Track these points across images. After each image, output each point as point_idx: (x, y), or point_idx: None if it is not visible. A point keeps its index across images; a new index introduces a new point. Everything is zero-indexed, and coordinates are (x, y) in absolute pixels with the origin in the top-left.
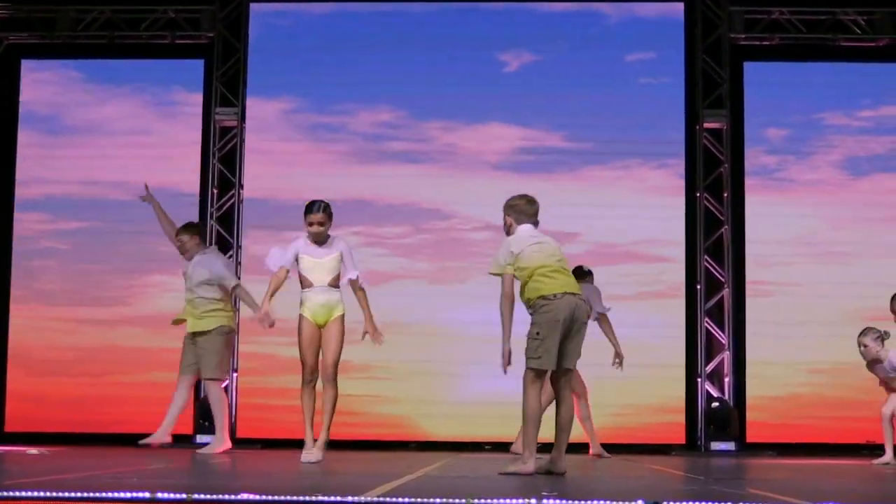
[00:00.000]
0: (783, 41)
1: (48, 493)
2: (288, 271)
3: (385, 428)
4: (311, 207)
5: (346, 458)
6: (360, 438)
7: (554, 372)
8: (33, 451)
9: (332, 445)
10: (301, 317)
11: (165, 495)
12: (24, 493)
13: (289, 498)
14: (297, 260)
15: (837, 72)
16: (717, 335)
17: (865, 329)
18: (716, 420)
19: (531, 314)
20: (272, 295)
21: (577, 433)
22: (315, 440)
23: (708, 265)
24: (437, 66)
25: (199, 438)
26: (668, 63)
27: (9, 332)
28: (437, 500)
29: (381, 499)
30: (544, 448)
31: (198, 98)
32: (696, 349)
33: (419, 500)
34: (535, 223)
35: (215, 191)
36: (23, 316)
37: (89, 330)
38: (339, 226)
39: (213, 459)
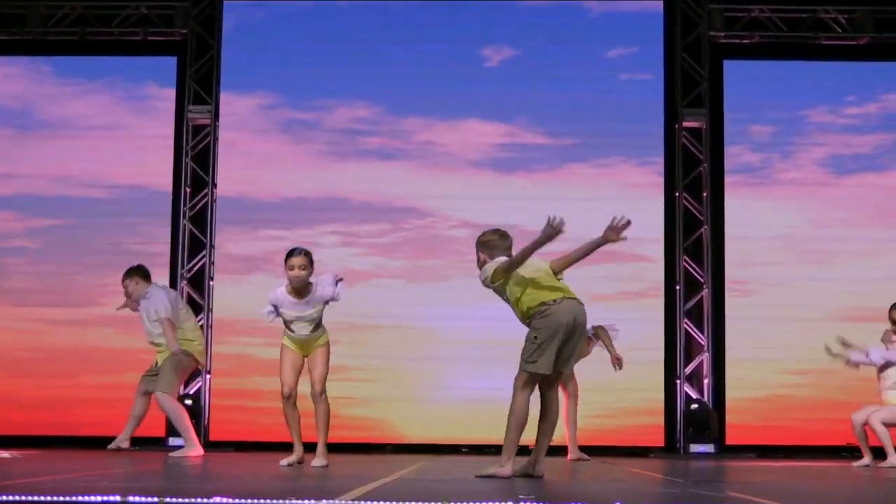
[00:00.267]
0: (763, 39)
1: (19, 498)
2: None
3: (361, 430)
4: (291, 252)
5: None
6: (335, 441)
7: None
8: (4, 454)
9: (307, 448)
10: (283, 345)
11: (137, 499)
12: None
13: (262, 501)
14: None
15: (818, 70)
16: (696, 336)
17: None
18: (695, 422)
19: (529, 323)
20: None
21: (556, 435)
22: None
23: (687, 265)
24: (416, 61)
25: (172, 441)
26: (650, 58)
27: None
28: None
29: (357, 502)
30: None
31: (171, 93)
32: (675, 350)
33: (395, 503)
34: (510, 257)
35: (188, 190)
36: None
37: (60, 330)
38: (315, 224)
39: (185, 462)
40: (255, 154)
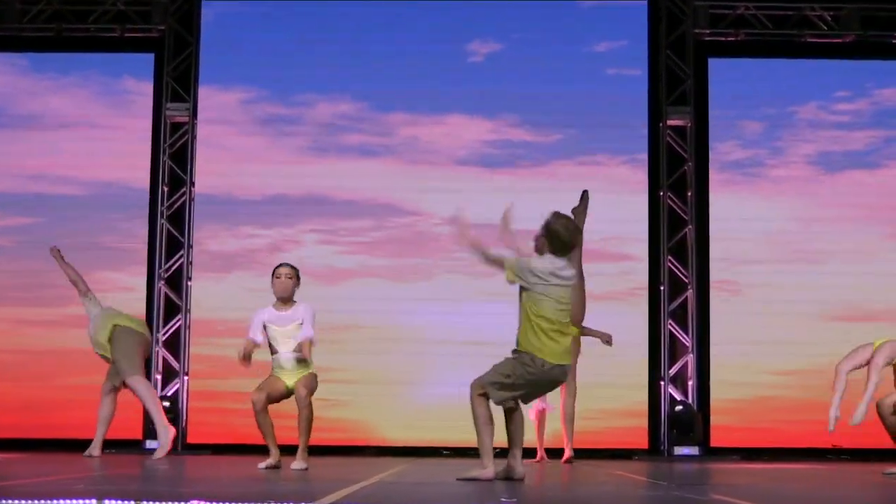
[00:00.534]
0: (749, 37)
1: None
2: (258, 344)
3: (341, 433)
4: (280, 265)
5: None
6: (315, 444)
7: None
8: None
9: (286, 451)
10: (271, 373)
11: (113, 502)
12: None
13: None
14: (265, 328)
15: (805, 68)
16: (680, 337)
17: None
18: (679, 424)
19: (517, 342)
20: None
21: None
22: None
23: (672, 266)
24: (400, 55)
25: (149, 444)
26: (639, 53)
27: None
28: None
29: None
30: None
31: (149, 88)
32: (660, 351)
33: None
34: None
35: (165, 188)
36: None
37: (35, 331)
38: (296, 221)
39: (163, 465)
40: (235, 149)
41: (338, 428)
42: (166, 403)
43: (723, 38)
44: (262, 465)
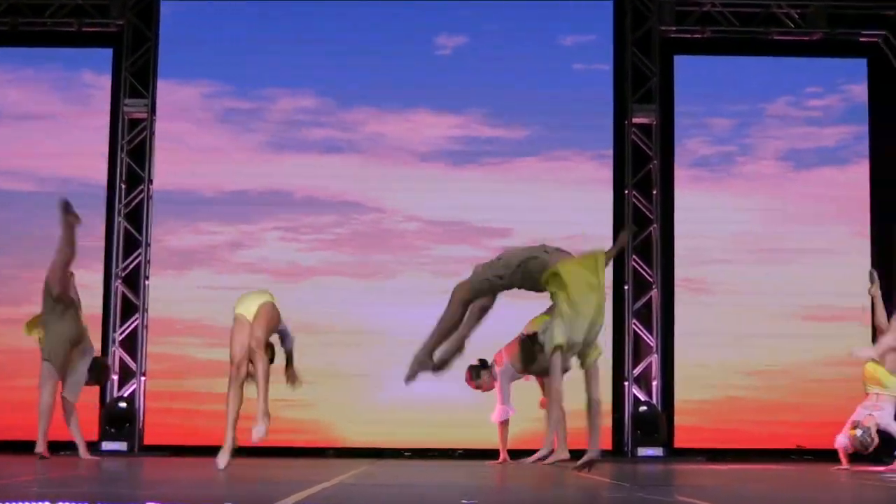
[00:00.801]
0: (715, 34)
1: None
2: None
3: (301, 434)
4: None
5: (258, 465)
6: (274, 445)
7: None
8: None
9: (244, 452)
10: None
11: None
12: None
13: None
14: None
15: (772, 65)
16: (644, 337)
17: None
18: (643, 425)
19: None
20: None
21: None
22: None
23: (636, 265)
24: (366, 49)
25: (105, 445)
26: (607, 48)
27: None
28: None
29: None
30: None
31: (107, 81)
32: (624, 351)
33: None
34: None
35: (123, 186)
36: None
37: None
38: (257, 218)
39: (118, 467)
40: (196, 144)
41: (297, 429)
42: (123, 405)
43: (689, 36)
44: (222, 463)
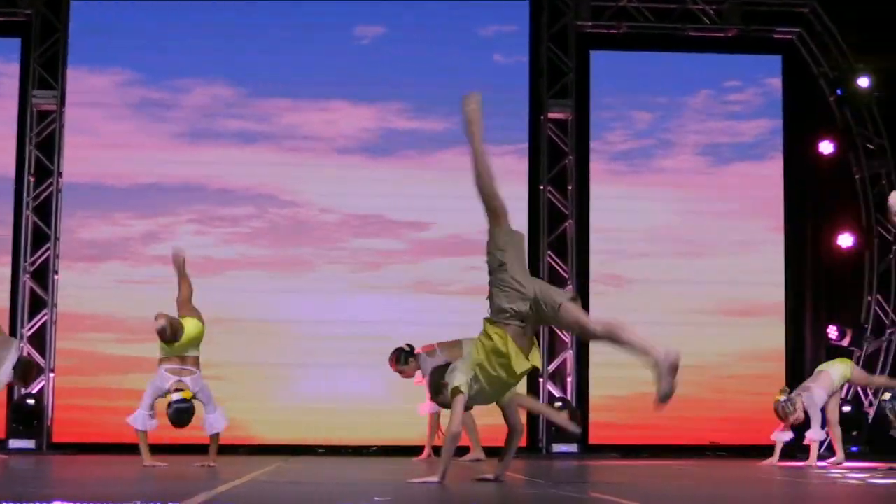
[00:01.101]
0: (631, 30)
1: None
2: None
3: None
4: None
5: (169, 463)
6: (185, 442)
7: None
8: None
9: (154, 450)
10: None
11: None
12: None
13: None
14: None
15: (693, 60)
16: (559, 333)
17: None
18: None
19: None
20: None
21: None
22: None
23: (551, 260)
24: (283, 38)
25: (13, 443)
26: (526, 41)
27: None
28: None
29: None
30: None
31: (16, 69)
32: (539, 348)
33: None
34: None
35: (31, 179)
36: None
37: None
38: (171, 213)
39: (25, 465)
40: (107, 134)
41: None
42: (31, 401)
43: (605, 31)
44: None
